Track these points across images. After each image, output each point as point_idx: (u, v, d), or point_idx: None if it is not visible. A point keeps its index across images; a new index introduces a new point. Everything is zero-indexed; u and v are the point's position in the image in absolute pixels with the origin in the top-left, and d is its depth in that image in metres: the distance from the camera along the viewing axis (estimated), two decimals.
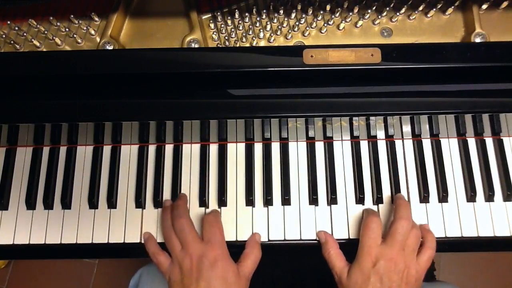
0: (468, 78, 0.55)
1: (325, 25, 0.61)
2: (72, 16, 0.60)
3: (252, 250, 0.58)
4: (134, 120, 0.59)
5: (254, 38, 0.61)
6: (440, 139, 0.65)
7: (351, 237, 0.60)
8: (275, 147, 0.65)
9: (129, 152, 0.65)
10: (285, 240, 0.60)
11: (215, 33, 0.61)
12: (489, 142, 0.65)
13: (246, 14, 0.61)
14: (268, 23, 0.61)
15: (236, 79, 0.55)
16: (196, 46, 0.59)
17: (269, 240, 0.61)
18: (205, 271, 0.53)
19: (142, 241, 0.61)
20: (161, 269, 0.58)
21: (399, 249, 0.54)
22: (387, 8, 0.60)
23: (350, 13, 0.61)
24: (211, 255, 0.54)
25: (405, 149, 0.64)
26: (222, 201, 0.62)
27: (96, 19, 0.62)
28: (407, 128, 0.64)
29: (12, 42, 0.59)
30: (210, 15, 0.62)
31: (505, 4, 0.61)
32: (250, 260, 0.57)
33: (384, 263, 0.53)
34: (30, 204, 0.63)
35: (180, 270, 0.55)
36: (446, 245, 0.60)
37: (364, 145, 0.65)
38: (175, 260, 0.56)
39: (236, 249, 0.58)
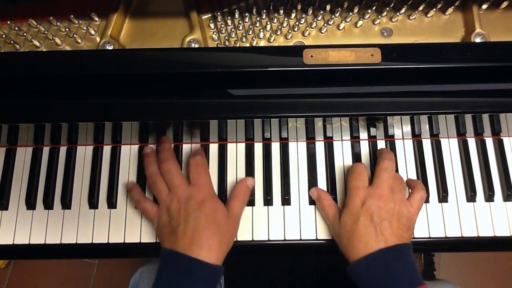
0: (468, 78, 0.55)
1: (325, 25, 0.60)
2: (72, 16, 0.60)
3: (240, 192, 0.59)
4: (134, 120, 0.59)
5: (254, 38, 0.61)
6: (440, 139, 0.65)
7: None
8: (275, 147, 0.65)
9: (129, 152, 0.65)
10: (285, 240, 0.60)
11: (215, 33, 0.61)
12: (489, 142, 0.65)
13: (246, 14, 0.61)
14: (268, 23, 0.61)
15: (236, 79, 0.55)
16: (196, 46, 0.59)
17: (269, 240, 0.61)
18: (193, 211, 0.53)
19: (142, 241, 0.61)
20: (148, 216, 0.58)
21: (387, 189, 0.55)
22: (387, 8, 0.60)
23: (350, 13, 0.61)
24: (198, 196, 0.55)
25: (405, 149, 0.64)
26: (222, 201, 0.62)
27: (96, 19, 0.62)
28: (407, 128, 0.64)
29: (12, 42, 0.59)
30: (210, 15, 0.62)
31: (505, 4, 0.61)
32: (238, 201, 0.58)
33: (372, 201, 0.53)
34: (30, 204, 0.63)
35: (168, 213, 0.55)
36: (446, 245, 0.60)
37: (364, 145, 0.65)
38: (163, 204, 0.56)
39: (236, 249, 0.58)
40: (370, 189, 0.55)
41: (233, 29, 0.60)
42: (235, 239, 0.60)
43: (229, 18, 0.61)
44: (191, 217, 0.53)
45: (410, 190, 0.59)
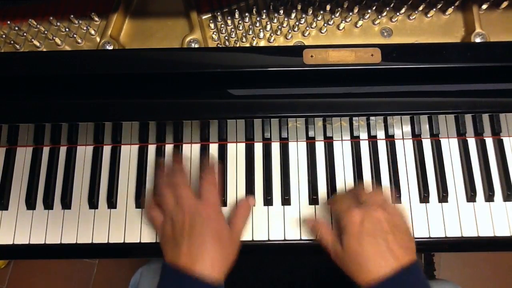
0: (468, 78, 0.55)
1: (325, 25, 0.60)
2: (72, 16, 0.60)
3: (242, 211, 0.59)
4: (134, 120, 0.59)
5: (254, 38, 0.61)
6: (440, 139, 0.65)
7: None
8: (275, 147, 0.65)
9: (129, 152, 0.65)
10: (285, 240, 0.60)
11: (215, 33, 0.61)
12: (489, 142, 0.65)
13: (246, 14, 0.61)
14: (268, 23, 0.61)
15: (236, 79, 0.55)
16: (196, 46, 0.59)
17: (269, 240, 0.61)
18: (198, 226, 0.53)
19: (142, 241, 0.61)
20: (154, 224, 0.58)
21: (377, 203, 0.54)
22: (387, 8, 0.60)
23: (350, 13, 0.61)
24: (204, 212, 0.54)
25: (405, 149, 0.64)
26: (222, 201, 0.62)
27: (96, 19, 0.62)
28: (407, 128, 0.64)
29: (12, 42, 0.59)
30: (210, 15, 0.62)
31: (505, 4, 0.61)
32: (240, 219, 0.58)
33: (370, 217, 0.52)
34: (30, 204, 0.63)
35: (173, 225, 0.54)
36: (446, 245, 0.60)
37: (364, 145, 0.65)
38: (168, 215, 0.55)
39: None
40: (362, 207, 0.53)
41: (233, 29, 0.60)
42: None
43: (229, 18, 0.61)
44: (196, 232, 0.52)
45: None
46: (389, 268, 0.49)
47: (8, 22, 0.60)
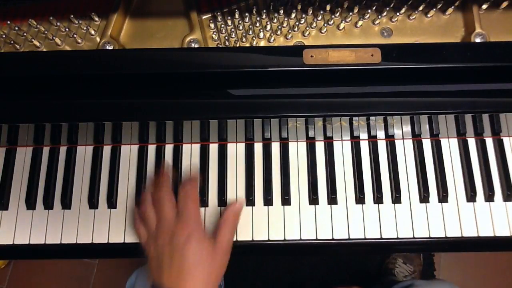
0: (468, 78, 0.55)
1: (325, 25, 0.61)
2: (72, 16, 0.60)
3: (227, 221, 0.56)
4: (134, 120, 0.59)
5: (254, 38, 0.61)
6: (440, 139, 0.65)
7: (351, 237, 0.60)
8: (275, 147, 0.65)
9: (129, 152, 0.65)
10: (285, 240, 0.60)
11: (215, 33, 0.61)
12: (489, 142, 0.65)
13: (246, 14, 0.61)
14: (268, 23, 0.61)
15: (236, 79, 0.55)
16: (196, 46, 0.59)
17: (269, 240, 0.61)
18: (178, 249, 0.53)
19: None
20: (140, 240, 0.58)
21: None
22: (387, 8, 0.60)
23: (350, 13, 0.61)
24: (183, 233, 0.53)
25: (405, 149, 0.64)
26: (222, 201, 0.62)
27: (96, 19, 0.62)
28: (407, 128, 0.64)
29: (12, 42, 0.59)
30: (210, 15, 0.62)
31: (505, 4, 0.61)
32: (225, 230, 0.56)
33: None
34: (30, 204, 0.63)
35: (155, 246, 0.55)
36: (446, 245, 0.60)
37: (364, 145, 0.65)
38: (151, 235, 0.56)
39: (236, 249, 0.58)
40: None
41: (233, 29, 0.61)
42: (235, 239, 0.60)
43: (229, 18, 0.61)
44: (177, 255, 0.53)
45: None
46: None
47: (8, 22, 0.60)
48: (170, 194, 0.57)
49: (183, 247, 0.53)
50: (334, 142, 0.65)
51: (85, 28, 0.61)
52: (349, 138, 0.65)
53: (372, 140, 0.65)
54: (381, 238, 0.60)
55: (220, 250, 0.55)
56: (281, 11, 0.61)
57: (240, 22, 0.61)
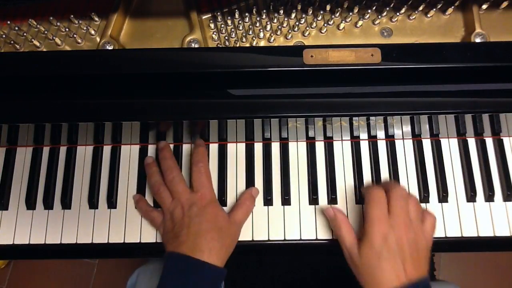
0: (468, 78, 0.55)
1: (325, 25, 0.60)
2: (72, 16, 0.60)
3: (244, 201, 0.60)
4: (134, 120, 0.59)
5: (254, 38, 0.61)
6: (440, 139, 0.65)
7: None
8: (275, 147, 0.65)
9: (129, 152, 0.65)
10: (285, 240, 0.60)
11: (215, 33, 0.61)
12: (489, 142, 0.65)
13: (246, 14, 0.61)
14: (268, 23, 0.61)
15: (236, 79, 0.55)
16: (196, 46, 0.59)
17: (269, 240, 0.61)
18: (195, 217, 0.55)
19: (142, 241, 0.61)
20: (155, 224, 0.60)
21: (406, 217, 0.53)
22: (387, 8, 0.60)
23: (350, 13, 0.61)
24: (201, 203, 0.57)
25: (405, 149, 0.64)
26: (222, 201, 0.62)
27: (96, 19, 0.62)
28: (407, 128, 0.64)
29: (12, 42, 0.59)
30: (210, 15, 0.62)
31: (505, 4, 0.61)
32: (241, 209, 0.59)
33: (394, 234, 0.51)
34: (30, 204, 0.63)
35: (172, 220, 0.57)
36: (446, 245, 0.60)
37: (364, 145, 0.65)
38: (167, 211, 0.58)
39: (236, 249, 0.58)
40: (391, 220, 0.52)
41: (233, 29, 0.60)
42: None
43: (229, 18, 0.61)
44: (193, 222, 0.55)
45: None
46: (399, 283, 0.50)
47: (8, 22, 0.60)
48: (180, 172, 0.60)
49: (201, 213, 0.56)
50: (334, 142, 0.65)
51: (85, 28, 0.61)
52: (349, 138, 0.65)
53: (372, 140, 0.65)
54: None
55: (234, 223, 0.58)
56: (281, 11, 0.61)
57: (240, 22, 0.61)
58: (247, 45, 0.61)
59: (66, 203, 0.63)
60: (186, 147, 0.65)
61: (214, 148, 0.65)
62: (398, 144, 0.65)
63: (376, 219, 0.52)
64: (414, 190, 0.62)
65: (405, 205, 0.53)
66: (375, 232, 0.52)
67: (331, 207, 0.59)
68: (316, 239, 0.60)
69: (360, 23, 0.61)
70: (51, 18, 0.60)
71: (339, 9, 0.60)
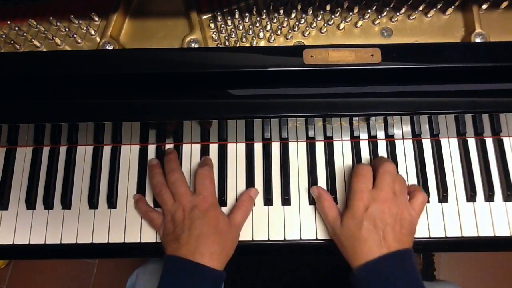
0: (468, 78, 0.55)
1: (325, 25, 0.60)
2: (72, 16, 0.60)
3: (243, 203, 0.60)
4: (134, 120, 0.59)
5: (254, 38, 0.61)
6: (440, 139, 0.65)
7: None
8: (275, 147, 0.65)
9: (129, 152, 0.65)
10: (285, 240, 0.60)
11: (215, 33, 0.61)
12: (489, 142, 0.65)
13: (246, 14, 0.61)
14: (268, 23, 0.61)
15: (236, 79, 0.55)
16: (196, 46, 0.59)
17: (269, 240, 0.61)
18: (196, 220, 0.55)
19: (142, 241, 0.61)
20: (154, 225, 0.60)
21: (391, 192, 0.54)
22: (387, 8, 0.60)
23: (350, 13, 0.61)
24: (202, 206, 0.57)
25: (405, 149, 0.64)
26: (222, 201, 0.62)
27: (96, 19, 0.62)
28: (407, 128, 0.64)
29: (12, 42, 0.59)
30: (210, 15, 0.62)
31: (505, 4, 0.61)
32: (240, 211, 0.59)
33: (376, 206, 0.53)
34: (30, 204, 0.63)
35: (173, 222, 0.57)
36: (446, 245, 0.60)
37: (364, 145, 0.65)
38: (168, 213, 0.58)
39: (236, 249, 0.58)
40: (374, 192, 0.54)
41: (233, 29, 0.60)
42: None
43: (229, 18, 0.61)
44: (194, 225, 0.55)
45: (409, 195, 0.58)
46: (377, 254, 0.51)
47: (8, 22, 0.60)
48: (183, 175, 0.60)
49: (201, 218, 0.55)
50: (334, 142, 0.65)
51: (85, 28, 0.61)
52: (349, 138, 0.65)
53: (372, 140, 0.65)
54: None
55: (234, 226, 0.58)
56: (281, 11, 0.61)
57: (240, 22, 0.61)
58: (247, 45, 0.61)
59: (66, 203, 0.63)
60: (186, 147, 0.65)
61: (214, 148, 0.65)
62: (398, 144, 0.65)
63: (359, 191, 0.54)
64: None
65: (390, 180, 0.55)
66: (357, 203, 0.53)
67: (316, 186, 0.61)
68: (316, 239, 0.60)
69: (360, 23, 0.61)
70: (51, 18, 0.60)
71: (339, 9, 0.60)
